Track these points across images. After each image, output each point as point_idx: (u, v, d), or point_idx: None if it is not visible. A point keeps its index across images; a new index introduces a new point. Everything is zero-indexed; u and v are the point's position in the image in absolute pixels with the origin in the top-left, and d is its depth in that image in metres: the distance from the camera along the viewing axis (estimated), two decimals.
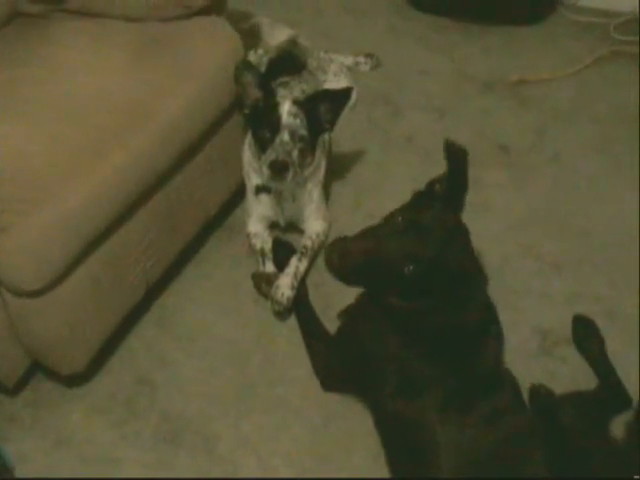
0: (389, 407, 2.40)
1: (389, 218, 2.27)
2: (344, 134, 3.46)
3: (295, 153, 2.80)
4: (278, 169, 2.76)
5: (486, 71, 4.16)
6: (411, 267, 2.13)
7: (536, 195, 3.44)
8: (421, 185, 2.41)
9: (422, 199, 2.32)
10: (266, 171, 2.78)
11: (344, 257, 2.20)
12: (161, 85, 2.66)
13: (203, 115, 2.79)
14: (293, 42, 3.67)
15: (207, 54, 2.82)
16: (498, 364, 2.43)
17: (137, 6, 2.89)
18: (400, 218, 2.21)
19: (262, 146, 2.82)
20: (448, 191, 2.25)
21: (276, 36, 3.71)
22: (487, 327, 2.39)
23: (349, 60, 4.10)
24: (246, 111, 2.90)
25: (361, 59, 4.15)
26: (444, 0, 4.54)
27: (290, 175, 2.78)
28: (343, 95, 2.91)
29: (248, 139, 3.00)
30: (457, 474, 2.23)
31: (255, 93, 2.87)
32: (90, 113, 2.52)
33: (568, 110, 3.91)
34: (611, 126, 3.81)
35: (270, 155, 2.77)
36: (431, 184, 2.31)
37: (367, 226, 2.28)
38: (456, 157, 2.21)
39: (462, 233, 2.25)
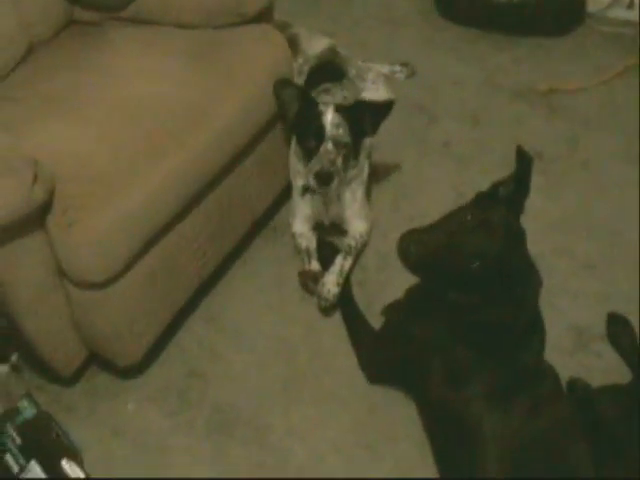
0: (435, 396, 2.45)
1: (457, 215, 2.31)
2: (382, 141, 3.49)
3: (339, 160, 2.87)
4: (323, 179, 2.83)
5: (516, 81, 4.20)
6: (477, 263, 2.18)
7: (569, 199, 3.49)
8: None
9: (484, 199, 2.35)
10: (312, 181, 2.86)
11: (419, 248, 2.25)
12: (215, 90, 2.73)
13: (254, 119, 2.85)
14: (332, 51, 3.71)
15: (258, 60, 2.89)
16: (541, 358, 2.46)
17: (192, 13, 2.96)
18: (470, 216, 2.25)
19: (307, 155, 2.90)
20: (512, 194, 2.29)
21: (314, 46, 3.74)
22: (535, 324, 2.43)
23: (386, 69, 4.16)
24: (290, 122, 2.98)
25: (397, 68, 4.21)
26: (474, 11, 4.59)
27: (335, 183, 2.86)
28: (385, 107, 2.96)
29: (293, 145, 3.07)
30: (503, 461, 2.28)
31: (295, 106, 2.93)
32: (149, 116, 2.59)
33: (597, 119, 3.95)
34: (639, 134, 3.83)
35: (315, 165, 2.84)
36: (495, 186, 2.34)
37: (435, 220, 2.33)
38: (524, 162, 2.24)
39: (521, 235, 2.29)
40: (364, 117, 2.92)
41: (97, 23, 3.06)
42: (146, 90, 2.68)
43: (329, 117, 2.85)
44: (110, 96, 2.66)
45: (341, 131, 2.85)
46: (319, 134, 2.85)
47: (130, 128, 2.54)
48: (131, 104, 2.63)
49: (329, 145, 2.84)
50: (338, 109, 2.89)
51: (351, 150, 2.91)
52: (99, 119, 2.57)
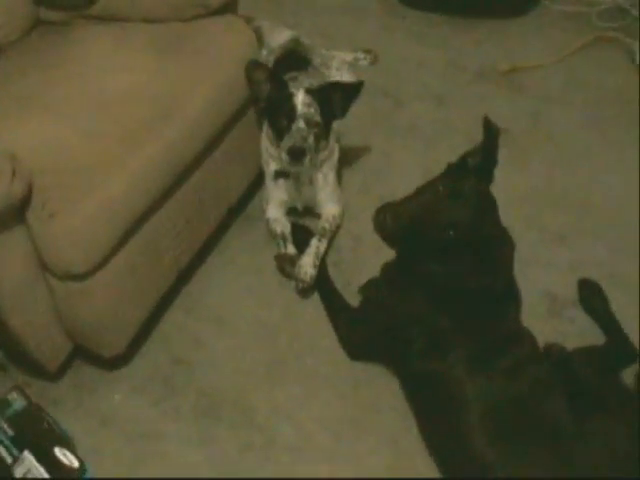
0: (417, 366, 2.52)
1: (429, 186, 2.40)
2: (350, 126, 3.56)
3: (311, 138, 2.93)
4: (296, 154, 2.89)
5: (478, 61, 4.30)
6: (452, 232, 2.27)
7: (536, 172, 3.59)
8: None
9: (455, 171, 2.44)
10: (285, 157, 2.91)
11: (395, 219, 2.33)
12: (186, 80, 2.77)
13: (225, 106, 2.90)
14: (296, 41, 3.76)
15: (226, 50, 2.94)
16: (518, 321, 2.54)
17: (156, 8, 3.00)
18: (441, 187, 2.34)
19: (279, 134, 2.96)
20: (481, 164, 2.38)
21: (277, 37, 3.78)
22: (511, 288, 2.52)
23: (349, 56, 4.23)
24: (261, 104, 3.03)
25: (360, 55, 4.29)
26: None
27: (307, 159, 2.91)
28: (355, 88, 3.04)
29: (265, 129, 3.13)
30: (486, 422, 2.34)
31: (267, 88, 2.99)
32: (122, 108, 2.63)
33: (559, 94, 4.06)
34: (599, 106, 3.97)
35: (288, 142, 2.90)
36: (464, 157, 2.43)
37: (409, 193, 2.41)
38: (491, 133, 2.33)
39: (492, 202, 2.39)
40: (334, 98, 3.00)
41: (65, 22, 3.09)
42: (118, 83, 2.72)
43: (300, 97, 2.93)
44: (82, 91, 2.70)
45: (312, 110, 2.92)
46: (291, 114, 2.91)
47: (105, 120, 2.58)
48: (104, 97, 2.67)
49: (301, 123, 2.90)
50: (308, 91, 2.97)
51: (322, 130, 2.98)
52: (73, 113, 2.61)
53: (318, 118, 2.94)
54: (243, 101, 3.01)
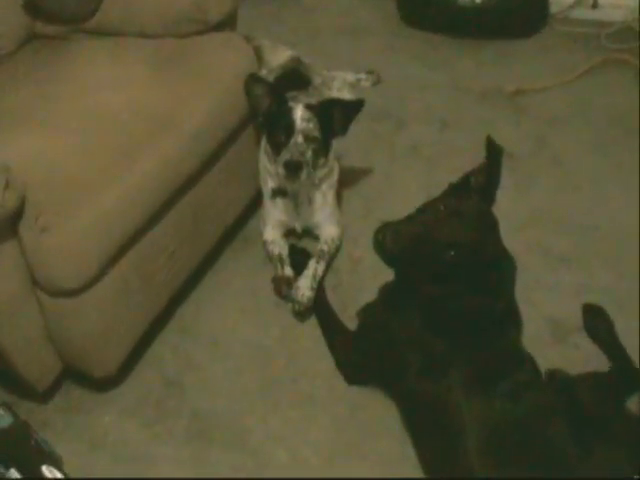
0: (414, 388, 2.54)
1: (430, 206, 2.44)
2: (351, 147, 3.64)
3: (309, 154, 2.97)
4: (292, 168, 2.93)
5: (482, 84, 4.37)
6: (452, 252, 2.30)
7: (540, 196, 3.64)
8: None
9: (456, 190, 2.49)
10: (281, 171, 2.95)
11: (395, 239, 2.36)
12: (183, 96, 2.83)
13: (223, 123, 2.96)
14: (296, 61, 3.84)
15: (224, 66, 3.00)
16: (518, 344, 2.58)
17: (153, 23, 3.08)
18: (442, 207, 2.38)
19: (277, 149, 3.00)
20: (484, 184, 2.43)
21: (277, 57, 3.86)
22: (511, 310, 2.55)
23: (351, 77, 4.30)
24: (260, 119, 3.08)
25: (362, 76, 4.36)
26: (438, 17, 4.76)
27: (304, 174, 2.95)
28: (355, 105, 3.10)
29: (263, 145, 3.18)
30: (484, 447, 2.36)
31: (266, 103, 3.05)
32: (117, 123, 2.68)
33: (565, 117, 4.12)
34: (607, 129, 4.02)
35: (285, 155, 2.94)
36: (466, 177, 2.48)
37: (410, 213, 2.45)
38: (494, 153, 2.39)
39: (494, 223, 2.42)
40: (334, 115, 3.05)
41: (60, 36, 3.16)
42: (113, 98, 2.77)
43: (299, 112, 2.98)
44: (77, 106, 2.76)
45: (311, 125, 2.97)
46: (289, 128, 2.96)
47: (99, 135, 2.63)
48: (99, 112, 2.72)
49: (299, 138, 2.95)
50: (308, 106, 3.02)
51: (321, 146, 3.03)
52: (68, 128, 2.65)
53: (317, 133, 2.98)
54: (242, 118, 3.07)
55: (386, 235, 2.37)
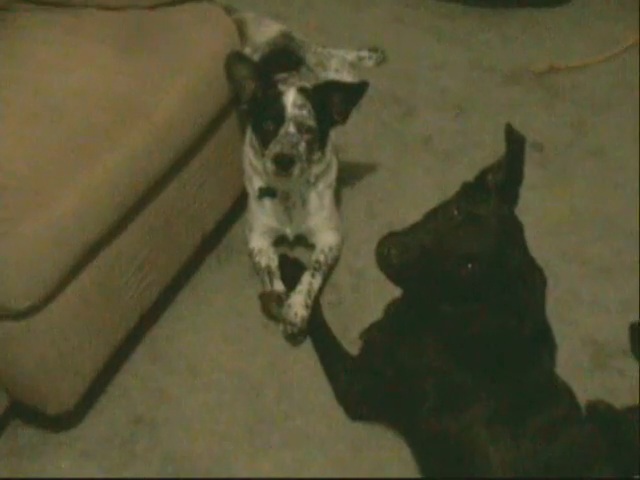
0: (428, 425, 2.54)
1: (442, 210, 2.39)
2: (352, 137, 3.65)
3: (302, 146, 2.94)
4: (283, 163, 2.88)
5: (508, 61, 4.38)
6: (470, 265, 2.26)
7: (577, 194, 3.64)
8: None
9: (472, 191, 2.44)
10: (270, 166, 2.91)
11: (402, 252, 2.31)
12: (152, 79, 2.82)
13: (200, 112, 2.94)
14: (286, 37, 3.82)
15: (201, 43, 2.99)
16: (552, 372, 2.56)
17: None
18: (456, 211, 2.33)
19: (265, 141, 2.96)
20: (503, 182, 2.38)
21: (264, 32, 3.84)
22: (543, 332, 2.53)
23: (351, 55, 4.31)
24: (244, 106, 3.07)
25: (364, 53, 4.37)
26: None
27: (297, 170, 2.91)
28: (357, 89, 3.07)
29: (248, 137, 3.17)
30: None
31: (251, 86, 3.03)
32: (74, 112, 2.68)
33: (607, 100, 4.13)
34: None
35: (274, 148, 2.90)
36: (483, 174, 2.43)
37: (418, 220, 2.41)
38: (515, 144, 2.33)
39: (518, 228, 2.38)
40: (332, 100, 3.03)
41: (4, 7, 3.12)
42: (70, 83, 2.76)
43: (291, 97, 2.95)
44: (29, 91, 2.74)
45: (305, 112, 2.94)
46: (279, 116, 2.93)
47: (54, 126, 2.62)
48: (54, 99, 2.71)
49: (290, 127, 2.92)
50: (301, 90, 3.00)
51: (316, 137, 3.00)
52: (17, 118, 2.64)
53: (312, 122, 2.96)
54: (222, 106, 3.06)
55: (391, 249, 2.32)
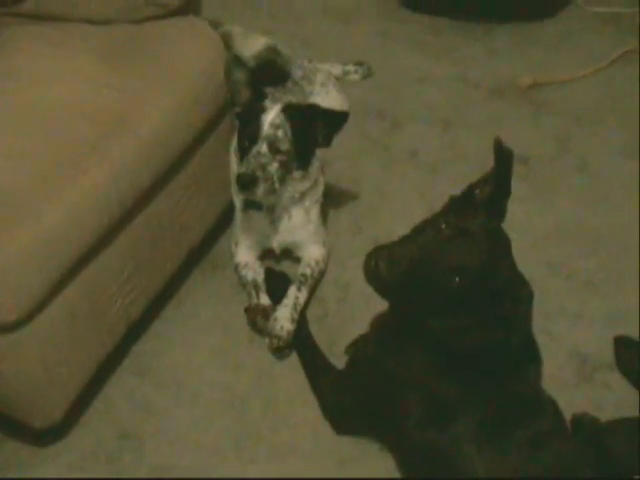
0: (415, 439, 2.54)
1: (429, 224, 2.40)
2: (338, 151, 3.61)
3: (273, 166, 2.96)
4: (245, 183, 2.91)
5: (493, 75, 4.40)
6: (458, 279, 2.27)
7: (562, 208, 3.65)
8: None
9: (460, 205, 2.45)
10: (235, 185, 2.97)
11: (390, 266, 2.32)
12: (138, 92, 2.84)
13: (186, 125, 2.96)
14: (272, 50, 3.85)
15: (187, 57, 3.02)
16: (538, 386, 2.57)
17: (103, 7, 3.07)
18: (444, 225, 2.35)
19: (242, 155, 2.99)
20: (491, 196, 2.38)
21: (250, 46, 3.86)
22: (529, 346, 2.54)
23: (337, 69, 4.32)
24: (237, 110, 3.09)
25: (350, 68, 4.38)
26: None
27: (260, 190, 2.93)
28: (337, 118, 3.09)
29: (234, 145, 3.19)
30: None
31: (246, 92, 3.05)
32: (60, 125, 2.69)
33: (592, 114, 4.14)
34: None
35: (241, 167, 2.95)
36: (471, 188, 2.44)
37: (406, 233, 2.42)
38: (503, 158, 2.33)
39: (506, 243, 2.39)
40: (315, 124, 3.04)
41: None
42: (56, 95, 2.77)
43: (270, 116, 2.97)
44: (13, 103, 2.75)
45: (280, 134, 2.96)
46: (255, 134, 2.95)
47: (39, 139, 2.63)
48: (39, 111, 2.72)
49: (263, 147, 2.94)
50: (286, 108, 3.02)
51: (292, 157, 3.01)
52: (2, 131, 2.66)
53: (286, 144, 2.97)
54: (209, 119, 3.08)
55: (379, 262, 2.33)
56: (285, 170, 3.00)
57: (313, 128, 3.04)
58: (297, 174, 3.08)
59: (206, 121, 3.06)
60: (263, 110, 2.99)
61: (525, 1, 4.70)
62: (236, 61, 3.03)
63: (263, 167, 2.91)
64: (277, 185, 2.98)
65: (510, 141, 2.27)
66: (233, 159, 3.18)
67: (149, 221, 2.91)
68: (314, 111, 3.10)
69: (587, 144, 3.94)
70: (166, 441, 2.89)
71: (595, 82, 4.28)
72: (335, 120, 3.06)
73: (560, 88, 4.26)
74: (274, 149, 2.94)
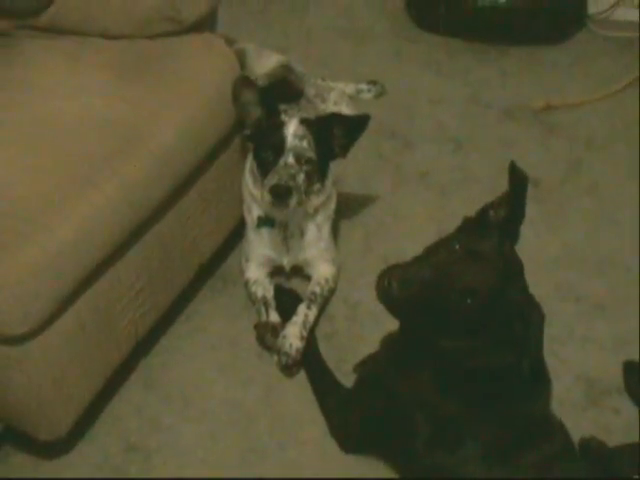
0: (423, 459, 2.53)
1: (443, 245, 2.39)
2: (350, 170, 3.65)
3: (301, 177, 2.96)
4: (280, 194, 2.89)
5: (506, 97, 4.39)
6: (470, 300, 2.25)
7: (572, 231, 3.65)
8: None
9: (474, 226, 2.44)
10: (267, 197, 2.92)
11: (403, 285, 2.30)
12: (152, 108, 2.83)
13: (199, 142, 2.95)
14: (286, 68, 3.83)
15: (202, 73, 3.00)
16: (547, 410, 2.54)
17: (119, 22, 3.06)
18: (457, 246, 2.33)
19: (264, 170, 2.98)
20: (505, 219, 2.38)
21: (264, 63, 3.84)
22: (540, 369, 2.51)
23: (350, 88, 4.32)
24: (247, 132, 3.08)
25: (363, 86, 4.38)
26: (454, 18, 4.76)
27: (294, 201, 2.92)
28: (359, 122, 3.08)
29: (249, 164, 3.17)
30: None
31: (256, 112, 3.03)
32: (73, 139, 2.68)
33: (603, 138, 4.13)
34: None
35: (272, 179, 2.92)
36: (485, 210, 2.43)
37: (419, 253, 2.40)
38: (518, 181, 2.32)
39: (518, 265, 2.37)
40: (333, 133, 3.03)
41: (5, 34, 3.14)
42: (70, 109, 2.77)
43: (291, 128, 2.96)
44: (28, 116, 2.74)
45: (305, 144, 2.95)
46: (279, 146, 2.94)
47: (52, 152, 2.62)
48: (53, 125, 2.71)
49: (289, 158, 2.94)
50: (303, 121, 3.01)
51: (316, 168, 3.01)
52: (16, 143, 2.65)
53: (312, 154, 2.97)
54: (222, 136, 3.07)
55: (392, 281, 2.31)
56: (310, 182, 3.00)
57: (331, 138, 3.05)
58: (316, 187, 3.08)
59: (219, 137, 3.05)
60: (282, 124, 2.98)
61: (539, 25, 4.67)
62: (244, 81, 3.01)
63: (293, 177, 2.91)
64: (304, 197, 2.98)
65: (521, 163, 2.26)
66: (249, 179, 3.15)
67: (160, 236, 2.90)
68: (331, 119, 3.10)
69: (598, 168, 3.93)
70: (172, 455, 2.87)
71: (607, 106, 4.26)
72: (355, 125, 3.06)
73: (572, 111, 4.25)
74: (300, 160, 2.94)
